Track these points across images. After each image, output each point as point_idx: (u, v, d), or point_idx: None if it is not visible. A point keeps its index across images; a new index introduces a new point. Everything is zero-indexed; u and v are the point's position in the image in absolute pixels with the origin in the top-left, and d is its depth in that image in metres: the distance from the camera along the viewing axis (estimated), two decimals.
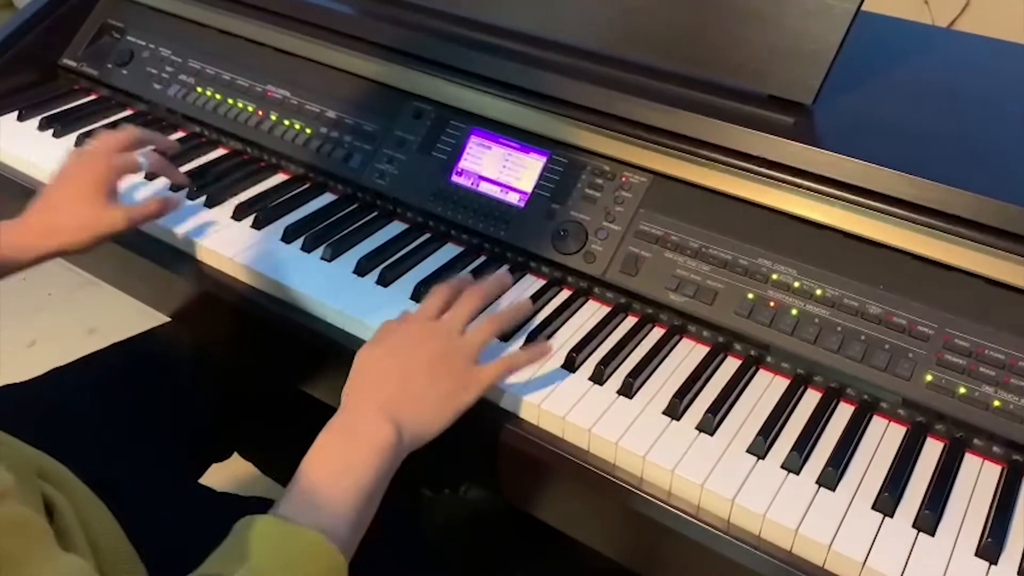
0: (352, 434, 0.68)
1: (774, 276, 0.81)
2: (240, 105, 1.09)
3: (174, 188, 1.01)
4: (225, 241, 0.94)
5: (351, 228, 0.96)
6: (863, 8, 0.82)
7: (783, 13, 0.84)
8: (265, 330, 0.93)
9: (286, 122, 1.05)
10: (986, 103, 0.94)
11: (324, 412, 0.95)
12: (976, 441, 0.74)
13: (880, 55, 1.00)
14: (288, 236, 0.95)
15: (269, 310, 0.89)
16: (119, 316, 1.22)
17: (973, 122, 0.89)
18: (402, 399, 0.70)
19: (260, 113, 1.07)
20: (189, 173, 1.03)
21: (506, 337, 0.83)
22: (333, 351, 0.86)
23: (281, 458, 1.19)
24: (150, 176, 1.02)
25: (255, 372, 1.08)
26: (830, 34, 0.82)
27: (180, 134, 1.14)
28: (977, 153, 0.84)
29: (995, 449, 0.73)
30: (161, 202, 0.91)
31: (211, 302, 0.94)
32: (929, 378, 0.74)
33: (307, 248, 0.93)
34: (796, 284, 0.81)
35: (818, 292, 0.80)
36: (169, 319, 1.04)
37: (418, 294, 0.88)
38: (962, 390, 0.73)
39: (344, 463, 0.66)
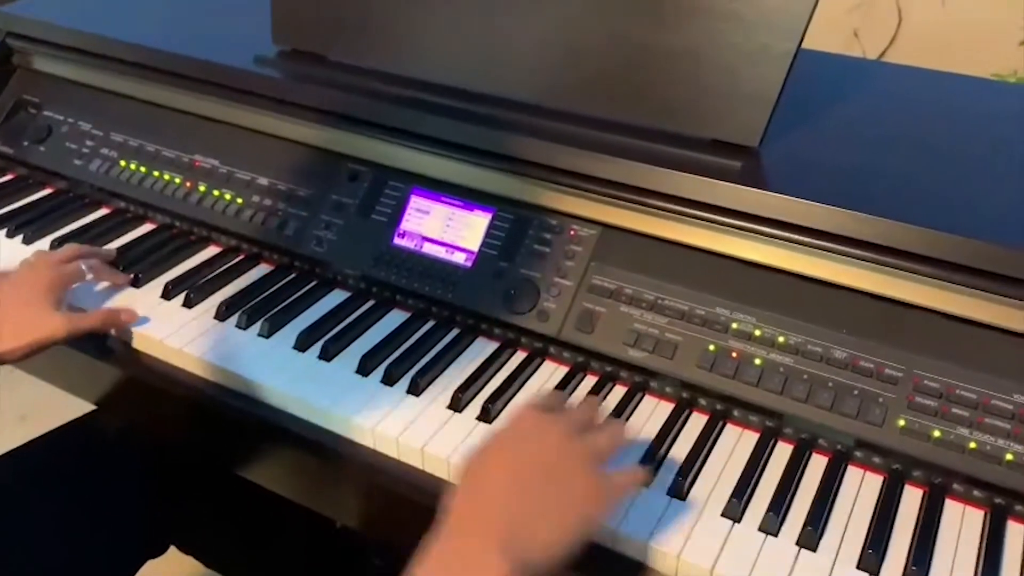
0: (465, 572, 0.56)
1: (734, 325, 0.78)
2: (167, 177, 1.04)
3: None
4: (155, 322, 0.88)
5: (289, 300, 0.91)
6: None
7: (723, 56, 0.82)
8: (201, 414, 0.87)
9: (216, 192, 1.00)
10: (930, 135, 0.93)
11: (263, 496, 0.90)
12: (956, 486, 0.71)
13: (821, 92, 0.99)
14: (222, 313, 0.89)
15: (204, 393, 0.84)
16: (50, 402, 1.14)
17: (919, 155, 0.88)
18: (522, 524, 0.57)
19: (188, 184, 1.02)
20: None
21: None
22: (275, 434, 0.80)
23: (221, 546, 1.12)
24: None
25: (191, 459, 1.01)
26: (772, 75, 0.81)
27: (104, 211, 1.08)
28: (929, 187, 0.82)
29: (976, 493, 0.70)
30: (108, 314, 0.87)
31: (141, 388, 0.88)
32: (902, 423, 0.71)
33: (243, 325, 0.87)
34: (757, 332, 0.78)
35: (780, 339, 0.77)
36: (95, 406, 0.97)
37: (364, 367, 0.82)
38: (936, 433, 0.71)
39: None
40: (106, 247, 0.99)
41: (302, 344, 0.85)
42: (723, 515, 0.69)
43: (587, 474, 0.60)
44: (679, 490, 0.71)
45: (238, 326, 0.88)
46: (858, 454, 0.74)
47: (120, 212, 1.07)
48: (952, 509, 0.70)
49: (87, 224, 1.05)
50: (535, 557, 0.55)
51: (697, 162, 0.82)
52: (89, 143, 1.09)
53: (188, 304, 0.91)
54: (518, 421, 0.64)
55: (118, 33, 1.09)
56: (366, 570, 1.22)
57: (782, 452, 0.75)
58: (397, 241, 0.92)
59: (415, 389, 0.80)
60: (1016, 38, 1.93)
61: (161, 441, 0.99)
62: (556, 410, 0.65)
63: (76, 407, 1.02)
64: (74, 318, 0.84)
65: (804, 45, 0.81)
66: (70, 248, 0.93)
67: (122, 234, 1.03)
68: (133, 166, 1.06)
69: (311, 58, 1.04)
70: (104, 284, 0.93)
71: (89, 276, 0.91)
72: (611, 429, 0.65)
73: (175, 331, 0.87)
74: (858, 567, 0.65)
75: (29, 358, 0.83)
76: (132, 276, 0.94)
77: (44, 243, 1.01)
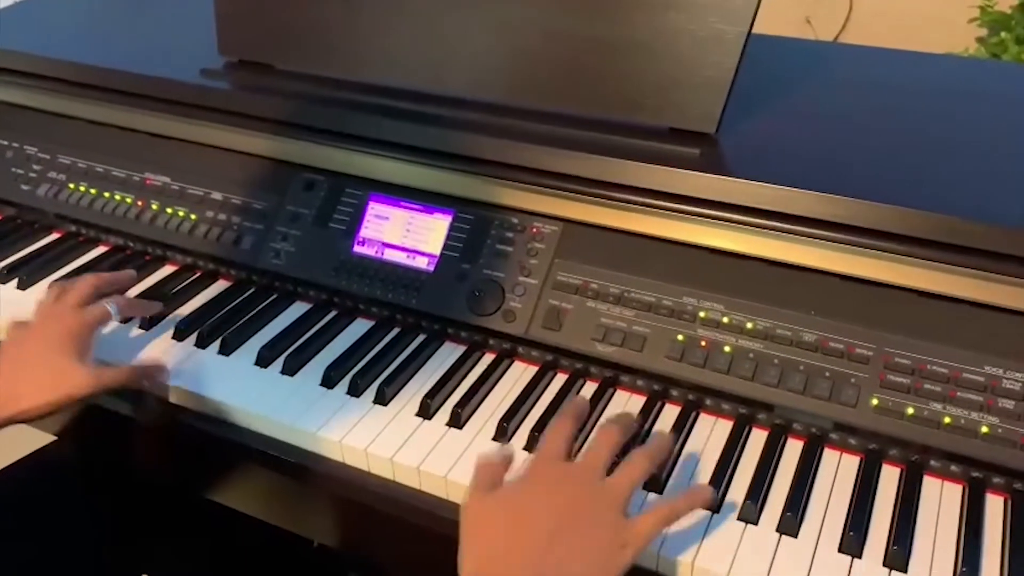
0: None
1: (701, 314, 0.77)
2: (118, 197, 1.01)
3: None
4: (111, 345, 0.85)
5: (248, 316, 0.89)
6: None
7: (674, 44, 0.81)
8: (164, 438, 0.85)
9: (168, 210, 0.98)
10: (887, 113, 0.93)
11: (234, 519, 0.88)
12: (933, 462, 0.70)
13: (775, 76, 0.99)
14: (179, 333, 0.87)
15: (166, 416, 0.81)
16: (7, 434, 1.11)
17: (877, 134, 0.88)
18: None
19: (140, 203, 0.99)
20: (67, 276, 0.95)
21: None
22: (241, 454, 0.78)
23: (193, 572, 1.09)
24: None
25: (153, 485, 0.98)
26: (725, 59, 0.80)
27: (55, 235, 1.05)
28: (888, 164, 0.82)
29: (953, 468, 0.70)
30: (139, 369, 0.79)
31: (98, 414, 0.85)
32: (875, 402, 0.71)
33: (201, 344, 0.85)
34: (725, 320, 0.77)
35: (749, 325, 0.76)
36: (55, 437, 0.94)
37: (328, 379, 0.80)
38: (910, 410, 0.70)
39: None
40: (65, 268, 0.96)
41: (264, 360, 0.83)
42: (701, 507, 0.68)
43: (610, 524, 0.58)
44: (656, 484, 0.69)
45: (197, 345, 0.85)
46: (833, 436, 0.73)
47: (72, 236, 1.04)
48: (930, 486, 0.70)
49: (38, 249, 1.02)
50: None
51: (655, 151, 0.81)
52: (36, 167, 1.06)
53: (145, 326, 0.88)
54: (533, 469, 0.62)
55: (60, 53, 1.06)
56: None
57: (757, 439, 0.74)
58: (357, 249, 0.90)
59: (382, 398, 0.79)
60: (965, 16, 1.95)
61: (124, 468, 0.96)
62: (570, 455, 0.63)
63: (27, 442, 0.99)
64: (101, 372, 0.76)
65: (756, 32, 0.80)
66: (85, 282, 0.82)
67: (75, 258, 1.01)
68: (83, 188, 1.03)
69: (259, 68, 1.02)
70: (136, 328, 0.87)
71: (116, 319, 0.82)
72: (632, 464, 0.61)
73: (132, 353, 0.84)
74: (840, 550, 0.64)
75: (52, 415, 0.75)
76: (163, 304, 0.89)
77: None
